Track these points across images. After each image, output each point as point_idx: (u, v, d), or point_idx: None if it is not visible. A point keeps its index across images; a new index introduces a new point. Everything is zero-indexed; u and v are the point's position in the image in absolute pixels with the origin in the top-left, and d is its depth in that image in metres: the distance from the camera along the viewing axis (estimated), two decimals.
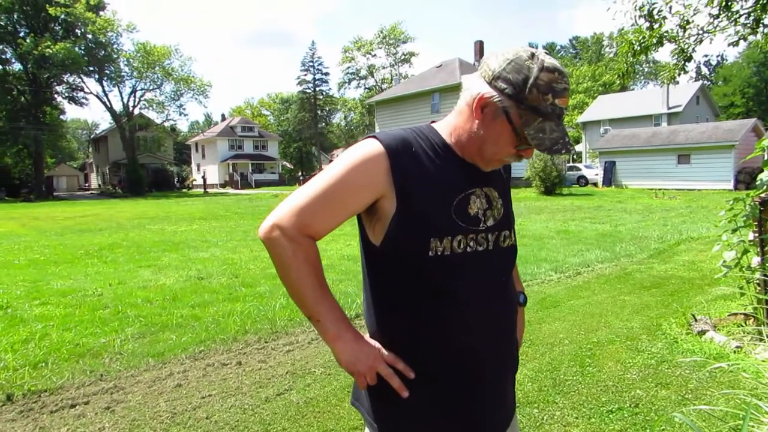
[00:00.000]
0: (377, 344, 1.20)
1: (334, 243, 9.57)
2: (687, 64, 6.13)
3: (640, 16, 5.93)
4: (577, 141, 45.22)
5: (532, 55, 1.07)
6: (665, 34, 5.70)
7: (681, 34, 5.74)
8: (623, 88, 54.52)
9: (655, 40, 5.66)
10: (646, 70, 68.58)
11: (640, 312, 4.98)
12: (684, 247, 8.81)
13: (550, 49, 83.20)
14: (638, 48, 5.79)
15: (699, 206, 16.86)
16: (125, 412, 3.21)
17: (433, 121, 1.27)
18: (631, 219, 13.49)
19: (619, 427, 2.81)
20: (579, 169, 33.02)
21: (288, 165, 62.17)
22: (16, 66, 43.27)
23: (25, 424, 3.08)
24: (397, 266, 1.16)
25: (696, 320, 4.34)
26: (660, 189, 24.87)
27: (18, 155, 45.08)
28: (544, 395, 3.22)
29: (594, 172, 31.73)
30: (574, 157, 42.24)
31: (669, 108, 37.72)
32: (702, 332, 4.12)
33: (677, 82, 6.61)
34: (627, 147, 28.95)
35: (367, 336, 1.24)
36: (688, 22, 5.68)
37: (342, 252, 8.79)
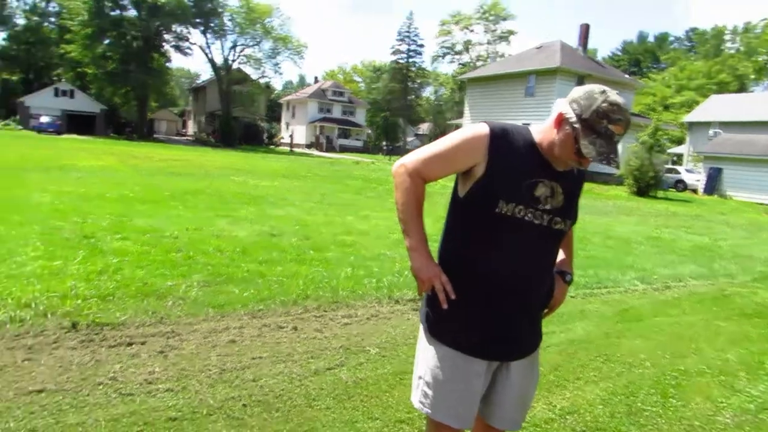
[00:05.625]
0: (439, 267, 1.64)
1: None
2: None
3: None
4: (680, 141, 41.74)
5: (604, 91, 1.47)
6: None
7: None
8: (741, 89, 49.27)
9: None
10: None
11: (739, 343, 4.39)
12: None
13: (662, 39, 78.97)
14: None
15: None
16: (177, 359, 3.21)
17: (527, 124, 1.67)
18: (735, 234, 12.24)
19: None
20: (678, 173, 30.56)
21: (371, 133, 62.45)
22: (132, 12, 45.98)
23: (83, 354, 3.16)
24: (472, 215, 1.62)
25: None
26: None
27: (125, 96, 48.25)
28: (617, 423, 2.86)
29: (695, 177, 29.26)
30: (674, 159, 39.11)
31: None
32: None
33: None
34: (739, 154, 26.35)
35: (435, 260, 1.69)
36: None
37: None
